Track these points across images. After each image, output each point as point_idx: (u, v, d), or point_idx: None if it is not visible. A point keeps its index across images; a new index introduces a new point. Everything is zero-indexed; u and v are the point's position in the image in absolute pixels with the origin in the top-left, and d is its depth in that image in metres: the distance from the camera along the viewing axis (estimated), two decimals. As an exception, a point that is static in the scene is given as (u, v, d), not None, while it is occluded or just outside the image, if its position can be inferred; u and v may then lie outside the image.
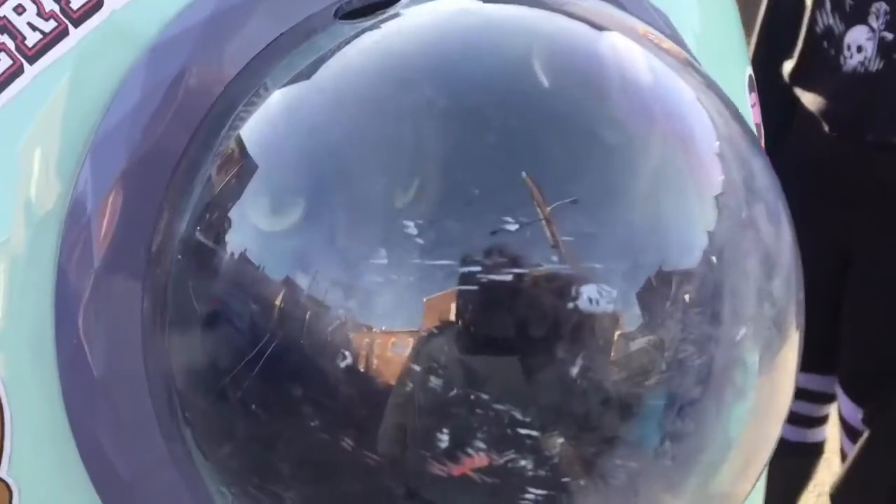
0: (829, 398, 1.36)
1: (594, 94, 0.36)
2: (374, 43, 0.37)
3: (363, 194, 0.34)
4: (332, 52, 0.37)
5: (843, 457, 1.36)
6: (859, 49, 1.25)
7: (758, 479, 0.40)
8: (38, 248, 0.41)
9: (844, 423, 1.33)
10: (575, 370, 0.32)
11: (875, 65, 1.23)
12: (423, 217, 0.32)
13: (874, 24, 1.24)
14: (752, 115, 0.60)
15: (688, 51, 0.51)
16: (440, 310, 0.32)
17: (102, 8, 0.42)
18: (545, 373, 0.32)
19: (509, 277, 0.32)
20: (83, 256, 0.39)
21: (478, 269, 0.32)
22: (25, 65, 0.41)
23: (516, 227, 0.32)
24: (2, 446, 0.42)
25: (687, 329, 0.34)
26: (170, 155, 0.40)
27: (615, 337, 0.33)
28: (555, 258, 0.32)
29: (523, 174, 0.33)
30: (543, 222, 0.32)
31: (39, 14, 0.41)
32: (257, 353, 0.34)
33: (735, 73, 0.59)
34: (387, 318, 0.33)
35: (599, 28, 0.39)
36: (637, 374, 0.33)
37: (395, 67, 0.36)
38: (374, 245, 0.32)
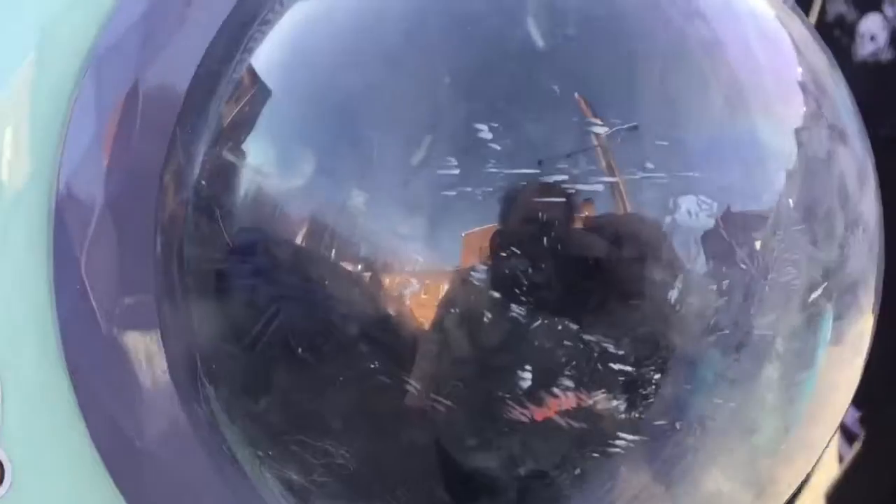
0: None
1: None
2: None
3: (421, 98, 0.29)
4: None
5: (840, 460, 1.32)
6: (872, 38, 1.22)
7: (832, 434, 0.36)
8: (29, 184, 0.36)
9: (841, 426, 1.31)
10: (674, 295, 0.28)
11: (887, 54, 1.20)
12: (499, 119, 0.28)
13: (889, 13, 1.21)
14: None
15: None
16: (521, 227, 0.28)
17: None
18: (641, 298, 0.28)
19: (600, 187, 0.28)
20: (85, 190, 0.34)
21: (564, 177, 0.28)
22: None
23: (605, 129, 0.28)
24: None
25: (789, 249, 0.30)
26: (181, 74, 0.35)
27: (717, 256, 0.29)
28: (650, 164, 0.28)
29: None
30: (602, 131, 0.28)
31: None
32: (303, 288, 0.30)
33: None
34: (462, 239, 0.28)
35: None
36: (742, 301, 0.29)
37: None
38: (443, 153, 0.28)
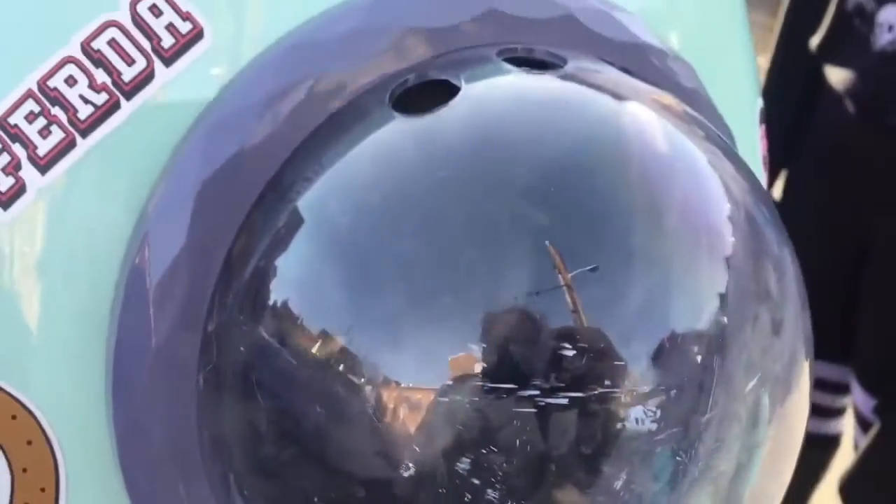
0: (845, 389, 1.35)
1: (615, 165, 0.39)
2: (415, 145, 0.39)
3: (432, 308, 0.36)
4: (382, 149, 0.39)
5: (856, 447, 1.35)
6: (890, 28, 1.22)
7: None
8: (91, 312, 0.42)
9: (857, 414, 1.33)
10: (619, 483, 0.35)
11: None
12: (487, 342, 0.34)
13: None
14: (759, 147, 0.62)
15: (707, 101, 0.53)
16: (499, 427, 0.35)
17: (154, 80, 0.42)
18: (594, 486, 0.35)
19: (565, 401, 0.34)
20: (138, 337, 0.41)
21: (537, 392, 0.34)
22: (78, 138, 0.42)
23: (573, 352, 0.35)
24: (57, 500, 0.44)
25: (720, 439, 0.37)
26: (227, 234, 0.41)
27: (655, 450, 0.36)
28: (608, 382, 0.35)
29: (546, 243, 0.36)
30: (564, 288, 0.35)
31: (91, 87, 0.42)
32: (315, 438, 0.37)
33: (746, 105, 0.61)
34: (449, 436, 0.35)
35: (620, 98, 0.41)
36: (672, 479, 0.36)
37: (441, 179, 0.38)
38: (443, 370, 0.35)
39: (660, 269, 0.37)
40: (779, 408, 0.41)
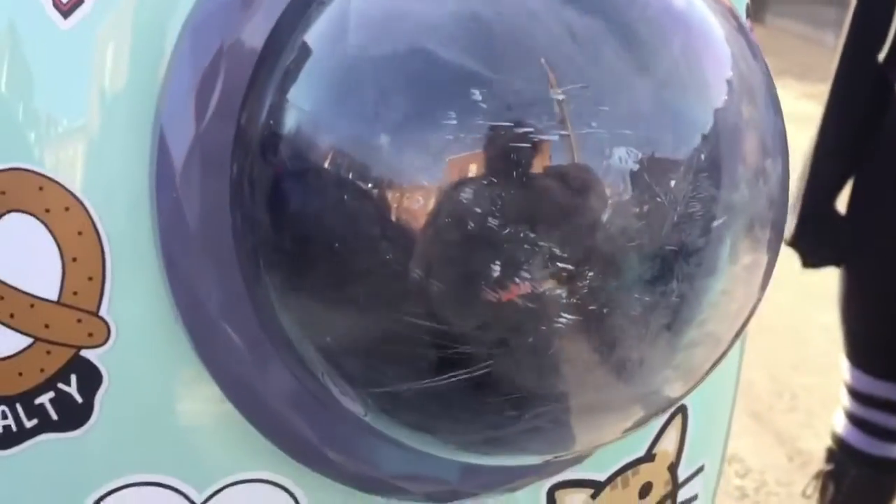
0: None
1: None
2: None
3: (433, 68, 0.41)
4: None
5: None
6: None
7: (739, 330, 0.48)
8: (138, 111, 0.47)
9: None
10: (605, 216, 0.40)
11: None
12: (487, 87, 0.39)
13: None
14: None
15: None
16: (500, 162, 0.39)
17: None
18: (581, 217, 0.40)
19: (556, 137, 0.39)
20: (182, 121, 0.46)
21: (531, 129, 0.39)
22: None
23: (563, 97, 0.39)
24: (103, 288, 0.49)
25: (696, 189, 0.41)
26: (258, 35, 0.46)
27: (639, 191, 0.40)
28: (594, 124, 0.39)
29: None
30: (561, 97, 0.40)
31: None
32: (339, 200, 0.41)
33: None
34: (456, 169, 0.40)
35: None
36: (655, 223, 0.41)
37: None
38: (446, 109, 0.39)
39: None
40: (743, 252, 0.45)
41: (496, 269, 0.40)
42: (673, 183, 0.41)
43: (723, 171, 0.43)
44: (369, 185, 0.41)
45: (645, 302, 0.41)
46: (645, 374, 0.43)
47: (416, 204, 0.40)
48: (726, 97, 0.44)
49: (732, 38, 0.46)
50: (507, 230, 0.39)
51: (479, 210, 0.39)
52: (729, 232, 0.43)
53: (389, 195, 0.40)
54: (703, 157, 0.42)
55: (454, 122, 0.39)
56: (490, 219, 0.39)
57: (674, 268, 0.42)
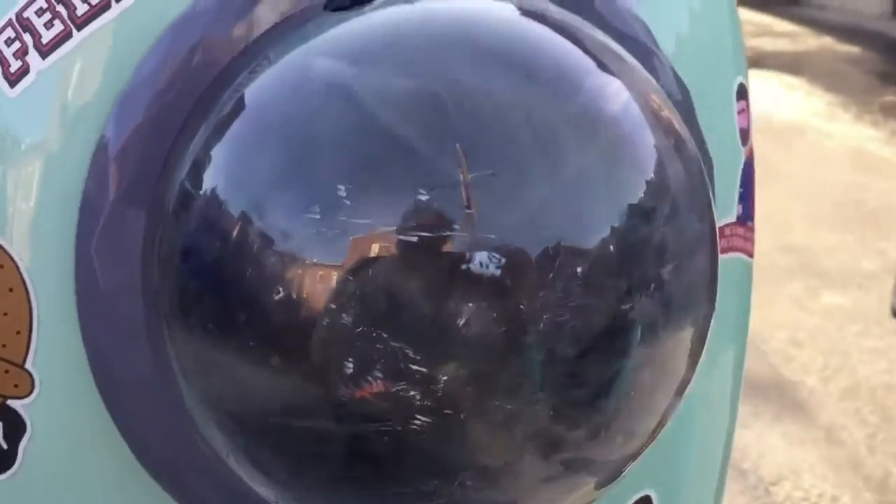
0: None
1: (527, 80, 0.43)
2: (337, 33, 0.44)
3: (310, 160, 0.41)
4: (308, 40, 0.45)
5: None
6: None
7: (640, 449, 0.45)
8: (71, 179, 0.50)
9: None
10: (461, 322, 0.39)
11: None
12: (353, 182, 0.39)
13: None
14: (736, 120, 0.64)
15: (659, 59, 0.56)
16: (356, 260, 0.39)
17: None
18: (435, 321, 0.39)
19: (415, 239, 0.39)
20: (104, 186, 0.48)
21: (391, 229, 0.39)
22: (74, 31, 0.50)
23: (427, 197, 0.39)
24: (29, 342, 0.51)
25: (568, 298, 0.40)
26: (179, 115, 0.48)
27: (499, 297, 0.39)
28: (457, 227, 0.39)
29: (457, 146, 0.40)
30: (462, 187, 0.39)
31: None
32: (215, 283, 0.42)
33: (722, 78, 0.64)
34: (314, 263, 0.40)
35: (549, 24, 0.46)
36: (515, 331, 0.39)
37: (354, 52, 0.43)
38: (311, 202, 0.40)
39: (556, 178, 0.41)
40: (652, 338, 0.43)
41: (349, 367, 0.40)
42: (541, 292, 0.40)
43: (615, 278, 0.41)
44: (239, 271, 0.41)
45: (506, 410, 0.40)
46: (512, 483, 0.42)
47: (276, 294, 0.40)
48: (635, 202, 0.42)
49: (662, 141, 0.45)
50: (359, 328, 0.39)
51: (333, 306, 0.39)
52: (613, 345, 0.41)
53: (255, 282, 0.41)
54: (587, 265, 0.41)
55: (317, 216, 0.40)
56: (344, 315, 0.39)
57: (540, 376, 0.40)
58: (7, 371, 0.52)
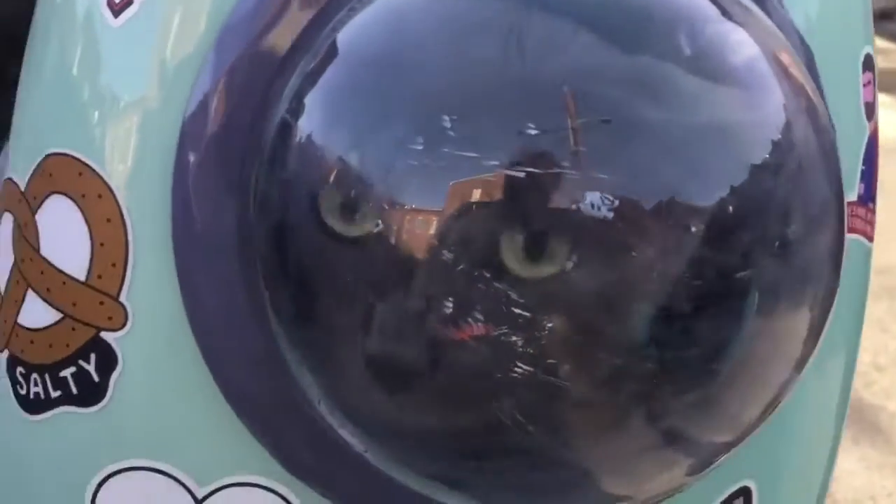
0: None
1: (661, 33, 0.40)
2: None
3: (416, 91, 0.39)
4: None
5: None
6: None
7: (751, 425, 0.42)
8: (171, 109, 0.49)
9: None
10: (569, 265, 0.37)
11: None
12: (458, 113, 0.37)
13: None
14: (861, 93, 0.60)
15: (792, 26, 0.53)
16: (460, 195, 0.37)
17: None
18: (542, 262, 0.37)
19: (522, 174, 0.37)
20: (200, 121, 0.47)
21: (496, 163, 0.37)
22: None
23: (537, 132, 0.37)
24: (124, 275, 0.51)
25: (684, 250, 0.37)
26: (280, 46, 0.47)
27: (610, 242, 0.37)
28: (566, 163, 0.37)
29: (564, 88, 0.37)
30: (570, 130, 0.37)
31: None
32: (315, 216, 0.41)
33: (849, 47, 0.60)
34: (416, 197, 0.38)
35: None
36: (627, 281, 0.37)
37: None
38: (415, 134, 0.38)
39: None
40: (753, 333, 0.40)
41: (448, 307, 0.38)
42: (655, 240, 0.37)
43: (735, 236, 0.39)
44: (361, 210, 0.39)
45: (613, 363, 0.38)
46: (602, 447, 0.40)
47: (375, 228, 0.39)
48: (760, 160, 0.39)
49: (791, 99, 0.41)
50: (459, 266, 0.37)
51: (435, 243, 0.37)
52: (729, 306, 0.38)
53: (352, 217, 0.39)
54: (703, 220, 0.38)
55: (420, 147, 0.38)
56: (445, 252, 0.37)
57: (649, 330, 0.38)
58: (102, 303, 0.52)
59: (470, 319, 0.37)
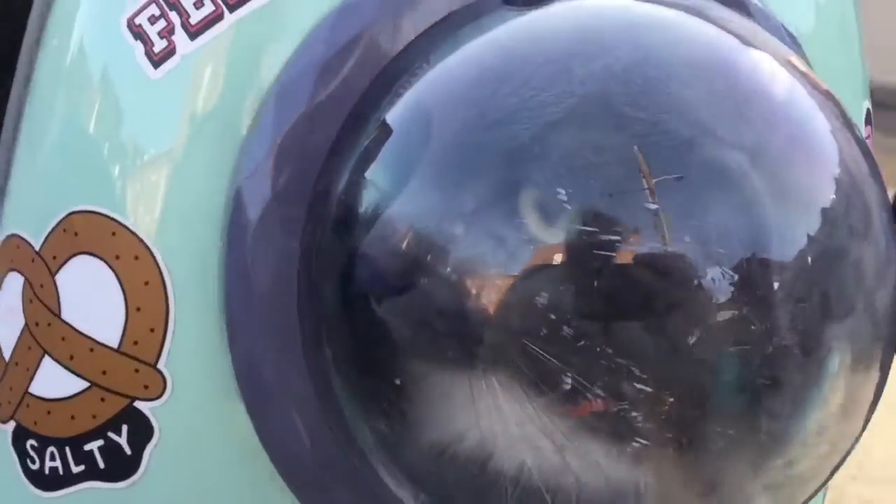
0: None
1: (728, 98, 0.41)
2: (529, 27, 0.42)
3: (522, 163, 0.38)
4: (491, 34, 0.42)
5: None
6: None
7: (832, 471, 0.44)
8: (215, 168, 0.46)
9: None
10: (692, 340, 0.37)
11: None
12: (574, 187, 0.37)
13: None
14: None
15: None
16: (579, 270, 0.37)
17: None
18: (664, 339, 0.37)
19: (645, 250, 0.36)
20: (260, 183, 0.45)
21: (618, 239, 0.36)
22: (226, 12, 0.47)
23: (656, 206, 0.37)
24: (164, 341, 0.48)
25: (793, 319, 0.38)
26: (343, 106, 0.45)
27: (731, 317, 0.37)
28: (687, 238, 0.37)
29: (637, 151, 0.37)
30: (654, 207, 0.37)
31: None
32: (408, 285, 0.39)
33: (852, 103, 0.62)
34: (529, 272, 0.37)
35: (746, 43, 0.43)
36: (745, 354, 0.37)
37: (547, 51, 0.40)
38: (527, 208, 0.37)
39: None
40: (844, 388, 0.41)
41: (567, 382, 0.37)
42: (770, 311, 0.38)
43: (829, 301, 0.39)
44: (441, 275, 0.38)
45: (728, 436, 0.38)
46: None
47: (489, 306, 0.38)
48: (838, 221, 0.40)
49: (848, 155, 0.43)
50: (580, 342, 0.37)
51: (553, 317, 0.37)
52: (829, 367, 0.39)
53: (461, 287, 0.38)
54: (806, 284, 0.38)
55: (536, 219, 0.37)
56: (565, 328, 0.37)
57: (763, 402, 0.38)
58: (137, 370, 0.48)
59: (589, 395, 0.37)
